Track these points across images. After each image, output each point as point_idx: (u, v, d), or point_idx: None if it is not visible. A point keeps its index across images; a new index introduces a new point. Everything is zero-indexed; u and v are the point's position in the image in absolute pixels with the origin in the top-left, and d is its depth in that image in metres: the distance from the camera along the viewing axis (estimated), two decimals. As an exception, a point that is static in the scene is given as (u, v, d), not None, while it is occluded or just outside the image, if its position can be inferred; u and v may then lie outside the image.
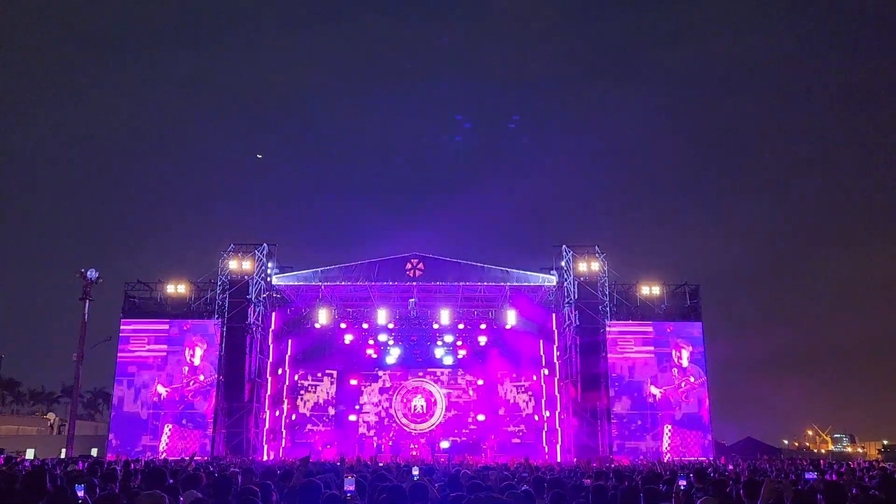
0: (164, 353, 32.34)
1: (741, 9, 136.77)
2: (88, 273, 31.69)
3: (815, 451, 65.83)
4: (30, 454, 30.67)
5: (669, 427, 31.91)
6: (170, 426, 31.57)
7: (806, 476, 9.53)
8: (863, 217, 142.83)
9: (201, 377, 32.11)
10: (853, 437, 75.67)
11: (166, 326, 32.73)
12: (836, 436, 76.14)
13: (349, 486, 7.13)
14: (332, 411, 38.79)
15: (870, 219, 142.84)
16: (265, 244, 34.07)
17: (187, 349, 32.42)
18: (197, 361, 32.26)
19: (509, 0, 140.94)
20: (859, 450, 66.41)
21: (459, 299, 35.41)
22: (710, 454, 31.30)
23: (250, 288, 33.07)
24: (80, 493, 7.19)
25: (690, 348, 32.80)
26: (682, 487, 8.28)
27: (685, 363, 32.63)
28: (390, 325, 35.82)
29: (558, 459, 31.98)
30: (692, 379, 32.49)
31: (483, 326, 36.18)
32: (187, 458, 24.70)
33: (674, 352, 32.72)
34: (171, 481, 9.47)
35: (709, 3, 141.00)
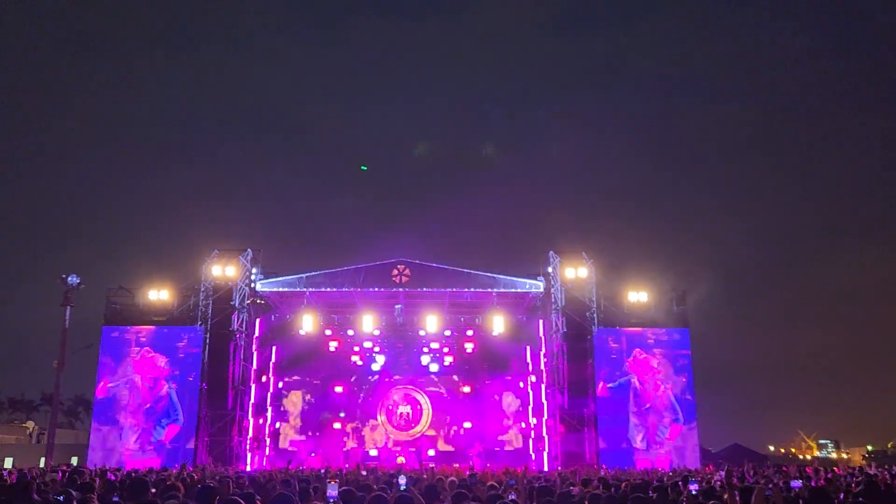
0: (147, 360, 31.87)
1: (730, 15, 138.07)
2: (69, 278, 31.19)
3: (801, 457, 66.24)
4: (8, 463, 30.15)
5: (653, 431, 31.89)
6: (151, 434, 31.09)
7: (791, 484, 9.50)
8: (850, 225, 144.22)
9: (184, 385, 31.65)
10: (838, 442, 76.27)
11: (148, 333, 32.28)
12: (821, 442, 76.67)
13: (332, 491, 7.05)
14: (316, 420, 38.37)
15: (858, 226, 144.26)
16: (249, 250, 33.75)
17: (170, 356, 31.96)
18: (180, 369, 31.82)
19: (500, 8, 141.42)
20: (844, 455, 66.92)
21: (446, 305, 35.25)
22: (697, 461, 31.29)
23: (234, 294, 32.73)
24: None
25: (676, 354, 32.84)
26: (694, 493, 8.24)
27: (669, 369, 32.63)
28: (376, 332, 35.57)
29: (545, 467, 31.84)
30: (677, 384, 32.50)
31: (470, 333, 36.02)
32: (171, 468, 24.29)
33: (658, 357, 32.72)
34: (153, 491, 9.27)
35: (697, 11, 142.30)
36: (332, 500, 6.99)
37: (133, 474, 17.62)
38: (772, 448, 72.59)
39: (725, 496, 8.46)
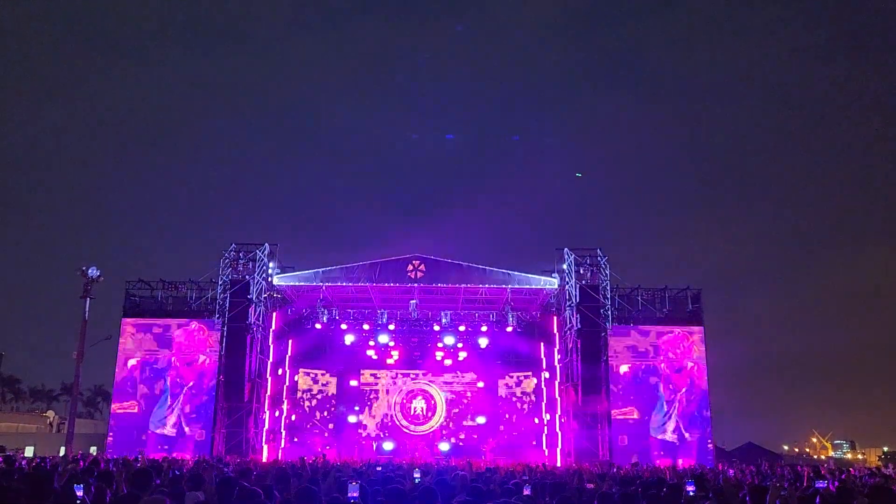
0: (164, 353, 32.27)
1: (742, 16, 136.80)
2: (90, 271, 31.60)
3: (816, 457, 65.73)
4: (29, 452, 30.69)
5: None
6: (167, 424, 31.50)
7: (816, 485, 9.47)
8: (865, 222, 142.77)
9: (202, 377, 32.03)
10: (853, 443, 75.57)
11: (167, 325, 32.67)
12: (836, 442, 76.02)
13: (353, 492, 6.95)
14: (331, 413, 38.66)
15: (872, 224, 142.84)
16: (266, 244, 34.00)
17: (187, 349, 32.33)
18: (197, 361, 32.18)
19: (511, 6, 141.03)
20: (859, 456, 66.28)
21: (461, 301, 35.34)
22: (710, 459, 31.21)
23: (251, 288, 32.97)
24: (79, 493, 7.13)
25: (690, 352, 32.72)
26: (691, 493, 8.22)
27: (685, 366, 32.53)
28: (391, 327, 35.75)
29: (558, 463, 31.88)
30: (691, 382, 32.40)
31: (484, 329, 36.09)
32: (188, 458, 24.65)
33: (672, 355, 32.63)
34: (157, 482, 9.37)
35: (710, 11, 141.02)
36: (352, 501, 6.88)
37: (143, 464, 17.85)
38: (786, 447, 72.15)
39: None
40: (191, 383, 31.97)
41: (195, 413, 31.68)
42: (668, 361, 32.58)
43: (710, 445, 32.24)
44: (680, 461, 30.12)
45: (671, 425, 31.92)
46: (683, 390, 32.30)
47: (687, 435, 31.85)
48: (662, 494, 9.28)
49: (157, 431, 31.47)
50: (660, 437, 31.78)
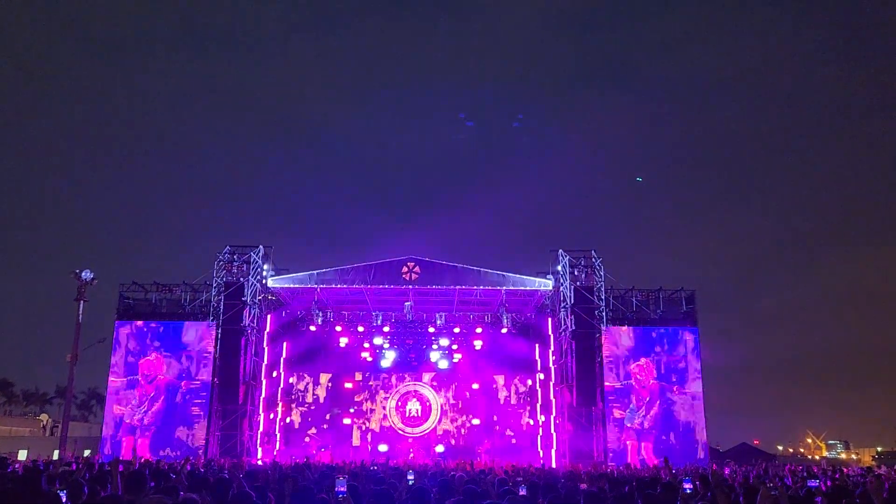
0: (159, 355, 32.18)
1: (736, 17, 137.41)
2: (83, 274, 31.53)
3: (810, 457, 65.92)
4: (22, 455, 30.50)
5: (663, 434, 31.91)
6: (161, 427, 31.39)
7: (809, 484, 9.51)
8: (859, 224, 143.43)
9: (195, 379, 31.95)
10: (847, 443, 75.80)
11: (161, 328, 32.58)
12: (830, 442, 76.24)
13: (340, 486, 7.01)
14: (326, 415, 38.64)
15: (866, 226, 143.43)
16: (261, 246, 33.96)
17: (181, 351, 32.24)
18: (191, 364, 32.10)
19: (508, 5, 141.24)
20: (853, 456, 66.50)
21: (455, 303, 35.35)
22: (705, 460, 31.27)
23: (245, 290, 32.93)
24: (63, 499, 7.03)
25: (685, 353, 32.81)
26: (688, 491, 8.25)
27: (679, 367, 32.61)
28: (386, 329, 35.73)
29: (553, 464, 31.93)
30: (684, 384, 32.48)
31: (479, 330, 36.10)
32: (182, 461, 24.56)
33: (667, 356, 32.70)
34: (151, 484, 9.33)
35: (705, 12, 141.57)
36: (340, 496, 6.93)
37: (133, 466, 17.75)
38: (780, 448, 72.35)
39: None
40: (186, 385, 31.83)
41: (190, 414, 31.56)
42: (663, 363, 32.62)
43: (704, 445, 32.29)
44: (673, 461, 30.19)
45: (666, 426, 31.96)
46: (678, 391, 32.35)
47: (677, 436, 31.90)
48: (658, 493, 9.31)
49: (151, 434, 31.35)
50: (654, 437, 31.81)
